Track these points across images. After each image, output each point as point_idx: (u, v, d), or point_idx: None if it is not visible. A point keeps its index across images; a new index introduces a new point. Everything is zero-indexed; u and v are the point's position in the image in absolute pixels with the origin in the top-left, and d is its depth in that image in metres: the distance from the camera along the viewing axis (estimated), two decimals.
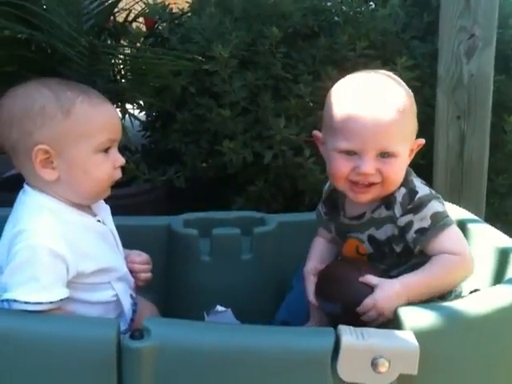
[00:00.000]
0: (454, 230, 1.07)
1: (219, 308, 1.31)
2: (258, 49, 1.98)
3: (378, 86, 1.08)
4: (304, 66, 2.00)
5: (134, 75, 1.98)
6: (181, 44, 2.02)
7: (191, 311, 1.30)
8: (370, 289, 1.03)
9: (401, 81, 1.13)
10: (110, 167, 1.06)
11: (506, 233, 1.25)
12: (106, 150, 1.05)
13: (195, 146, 1.98)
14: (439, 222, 1.05)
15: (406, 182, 1.08)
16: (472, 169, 1.95)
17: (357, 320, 1.01)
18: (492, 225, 1.30)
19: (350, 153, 1.05)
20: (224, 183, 2.01)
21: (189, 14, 2.29)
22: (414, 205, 1.06)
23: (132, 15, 2.17)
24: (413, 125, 1.09)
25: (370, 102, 1.04)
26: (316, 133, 1.15)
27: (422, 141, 1.11)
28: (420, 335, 0.86)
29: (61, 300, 0.97)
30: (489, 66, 1.88)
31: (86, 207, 1.10)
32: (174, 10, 2.29)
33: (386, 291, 1.01)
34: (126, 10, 2.11)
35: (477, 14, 1.84)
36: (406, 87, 1.11)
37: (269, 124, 1.85)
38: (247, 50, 2.00)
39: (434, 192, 1.09)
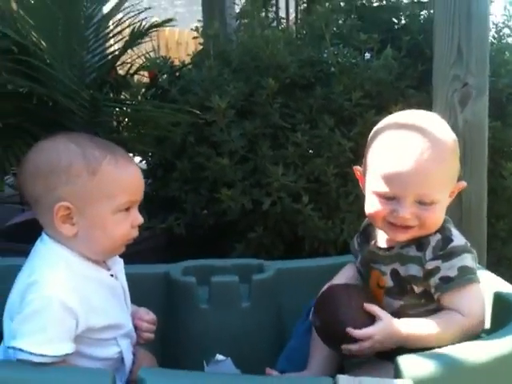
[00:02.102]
0: (477, 288, 1.06)
1: (219, 357, 1.29)
2: (256, 99, 2.03)
3: (421, 130, 1.06)
4: (301, 114, 2.05)
5: (135, 126, 2.02)
6: (180, 95, 2.08)
7: (190, 360, 1.28)
8: (351, 316, 1.05)
9: (444, 123, 1.12)
10: (128, 227, 1.06)
11: (509, 278, 1.24)
12: (127, 209, 1.06)
13: (195, 193, 2.00)
14: (465, 275, 1.05)
15: (442, 229, 1.09)
16: (471, 214, 1.95)
17: (331, 340, 1.06)
18: (495, 270, 1.30)
19: (388, 197, 1.06)
20: (224, 230, 2.02)
21: (189, 67, 2.36)
22: (446, 252, 1.06)
23: (133, 68, 2.23)
24: (455, 169, 1.09)
25: (412, 149, 1.03)
26: (357, 168, 1.17)
27: (463, 184, 1.11)
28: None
29: (65, 354, 0.96)
30: (483, 114, 1.92)
31: (100, 261, 1.10)
32: (175, 63, 2.36)
33: (390, 328, 1.02)
34: (127, 63, 2.17)
35: (469, 63, 1.89)
36: (449, 130, 1.11)
37: (267, 172, 1.88)
38: (245, 100, 2.05)
39: (469, 245, 1.09)
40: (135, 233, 1.09)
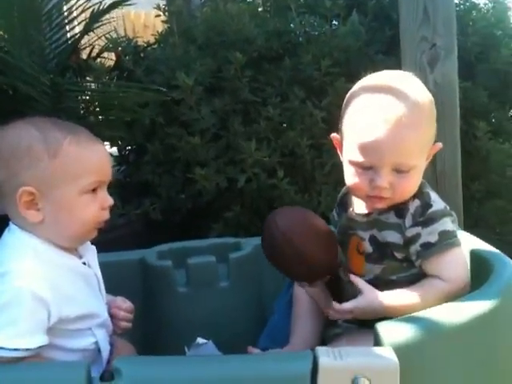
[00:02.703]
0: (459, 251, 1.05)
1: (200, 340, 1.27)
2: (224, 75, 1.98)
3: (396, 94, 1.02)
4: (271, 88, 2.01)
5: (102, 110, 1.97)
6: (146, 76, 2.02)
7: (171, 346, 1.27)
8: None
9: (419, 83, 1.08)
10: (96, 208, 1.02)
11: (487, 238, 1.24)
12: (94, 190, 1.02)
13: (169, 176, 1.96)
14: (446, 240, 1.04)
15: (421, 194, 1.07)
16: (446, 177, 1.94)
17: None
18: (473, 232, 1.29)
19: (365, 167, 1.03)
20: (201, 212, 1.99)
21: (154, 47, 2.30)
22: (426, 218, 1.04)
23: (96, 51, 2.16)
24: (431, 132, 1.06)
25: (387, 115, 1.00)
26: (334, 137, 1.14)
27: (440, 145, 1.09)
28: (399, 350, 0.84)
29: (39, 347, 0.93)
30: (453, 74, 1.90)
31: (72, 249, 1.07)
32: (139, 43, 2.29)
33: (369, 302, 1.02)
34: (89, 46, 2.11)
35: (436, 23, 1.86)
36: (425, 90, 1.07)
37: (240, 148, 1.84)
38: (213, 77, 2.00)
39: (448, 208, 1.08)
40: (106, 215, 1.04)
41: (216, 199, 1.91)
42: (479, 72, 2.16)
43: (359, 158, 1.03)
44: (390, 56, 2.09)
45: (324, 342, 1.13)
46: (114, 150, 2.28)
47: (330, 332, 1.16)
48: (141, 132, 2.00)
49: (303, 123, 1.93)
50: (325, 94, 1.96)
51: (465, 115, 2.02)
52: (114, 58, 2.25)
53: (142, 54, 2.22)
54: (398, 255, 1.07)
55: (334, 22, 2.20)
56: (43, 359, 0.96)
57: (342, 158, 1.12)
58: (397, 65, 2.04)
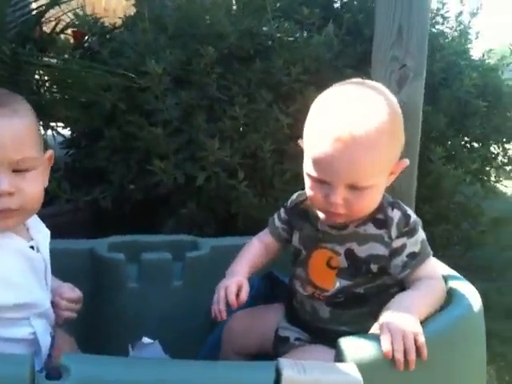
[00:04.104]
0: (433, 258, 1.07)
1: (145, 340, 1.21)
2: (193, 68, 1.93)
3: (356, 109, 0.98)
4: (239, 88, 1.97)
5: (60, 88, 1.87)
6: (111, 58, 1.94)
7: (115, 343, 1.20)
8: None
9: (387, 96, 1.03)
10: None
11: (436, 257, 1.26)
12: None
13: (123, 164, 1.88)
14: (427, 248, 1.05)
15: (397, 204, 1.05)
16: (401, 198, 1.96)
17: None
18: None
19: (320, 181, 1.00)
20: (153, 205, 1.92)
21: (121, 30, 2.21)
22: (410, 228, 1.03)
23: (60, 26, 2.05)
24: (395, 149, 1.01)
25: (343, 133, 0.95)
26: (300, 142, 1.09)
27: (406, 162, 1.05)
28: (362, 367, 0.82)
29: None
30: (419, 96, 1.93)
31: (21, 229, 0.99)
32: (105, 24, 2.20)
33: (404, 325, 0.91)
34: (54, 20, 2.00)
35: (409, 44, 1.88)
36: (394, 106, 1.02)
37: (202, 145, 1.80)
38: (181, 69, 1.94)
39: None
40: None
41: (171, 194, 1.85)
42: (441, 98, 2.22)
43: (313, 173, 1.00)
44: (358, 71, 2.10)
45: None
46: (66, 132, 2.18)
47: (281, 348, 1.13)
48: (99, 116, 1.91)
49: (268, 127, 1.90)
50: (293, 101, 1.95)
51: (422, 138, 2.06)
52: (72, 36, 2.15)
53: (107, 36, 2.14)
54: (375, 268, 1.05)
55: (307, 30, 2.20)
56: None
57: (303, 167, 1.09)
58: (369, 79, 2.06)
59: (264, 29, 2.14)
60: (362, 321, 1.04)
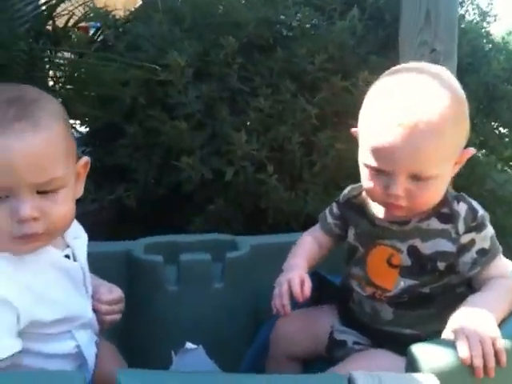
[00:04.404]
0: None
1: (189, 345, 1.15)
2: (213, 59, 1.86)
3: (417, 93, 0.92)
4: (261, 78, 1.90)
5: (76, 84, 1.79)
6: (128, 52, 1.86)
7: (156, 349, 1.14)
8: None
9: (451, 81, 0.98)
10: (2, 218, 0.81)
11: None
12: (0, 198, 0.80)
13: (146, 161, 1.81)
14: (496, 244, 0.99)
15: (462, 197, 1.00)
16: None
17: None
18: None
19: (379, 171, 0.94)
20: (179, 203, 1.85)
21: (134, 22, 2.13)
22: (477, 223, 0.97)
23: (72, 21, 1.98)
24: (460, 137, 0.96)
25: (405, 119, 0.90)
26: (354, 131, 1.04)
27: (471, 151, 0.99)
28: (440, 376, 0.76)
29: (13, 355, 0.80)
30: None
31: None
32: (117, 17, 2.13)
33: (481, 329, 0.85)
34: (66, 14, 1.92)
35: (437, 28, 1.82)
36: (457, 91, 0.97)
37: (228, 138, 1.73)
38: (200, 61, 1.87)
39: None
40: (22, 229, 0.81)
41: (197, 190, 1.78)
42: (468, 83, 2.14)
43: (372, 162, 0.94)
44: (383, 57, 2.03)
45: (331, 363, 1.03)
46: (82, 129, 2.11)
47: (337, 352, 1.06)
48: (118, 112, 1.84)
49: (294, 118, 1.83)
50: (318, 90, 1.88)
51: None
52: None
53: (121, 29, 2.06)
54: (442, 265, 0.98)
55: (329, 16, 2.12)
56: (20, 368, 0.82)
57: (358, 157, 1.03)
58: (392, 67, 1.99)
59: (282, 17, 2.08)
60: (426, 322, 0.98)
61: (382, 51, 2.06)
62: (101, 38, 1.99)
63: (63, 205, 0.84)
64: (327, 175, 1.81)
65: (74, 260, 0.94)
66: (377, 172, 0.95)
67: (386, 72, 1.02)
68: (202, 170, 1.68)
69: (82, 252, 0.97)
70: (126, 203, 1.76)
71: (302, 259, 1.10)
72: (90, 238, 1.62)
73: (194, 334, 1.18)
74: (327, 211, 1.16)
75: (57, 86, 1.90)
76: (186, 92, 1.75)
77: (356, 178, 1.85)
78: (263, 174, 1.73)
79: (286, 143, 1.79)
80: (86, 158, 0.93)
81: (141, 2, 2.53)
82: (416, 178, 0.93)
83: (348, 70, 1.93)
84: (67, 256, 0.93)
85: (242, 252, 1.25)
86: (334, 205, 1.15)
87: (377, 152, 0.93)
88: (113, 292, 1.00)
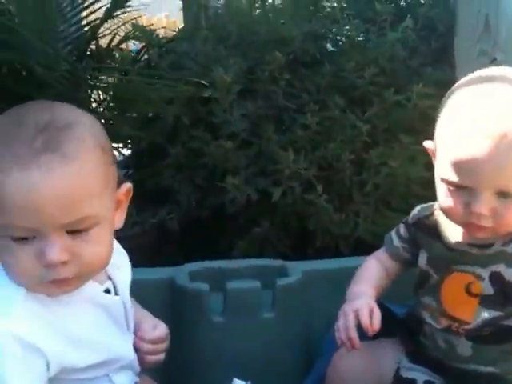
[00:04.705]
0: None
1: (237, 381, 1.06)
2: (258, 76, 1.79)
3: (505, 105, 0.84)
4: (308, 95, 1.82)
5: (120, 103, 1.75)
6: (172, 71, 1.82)
7: None
8: None
9: None
10: (29, 262, 0.72)
11: None
12: (26, 239, 0.72)
13: (189, 183, 1.75)
14: None
15: None
16: None
17: None
18: None
19: (461, 187, 0.85)
20: (222, 225, 1.78)
21: (177, 41, 2.10)
22: None
23: (116, 40, 1.95)
24: None
25: (491, 130, 0.82)
26: (428, 145, 0.95)
27: None
28: None
29: None
30: None
31: None
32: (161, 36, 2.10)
33: None
34: (109, 34, 1.90)
35: (498, 36, 1.69)
36: None
37: (275, 158, 1.64)
38: (246, 78, 1.81)
39: None
40: (52, 275, 0.73)
41: (242, 212, 1.70)
42: None
43: (453, 178, 0.85)
44: (437, 70, 1.92)
45: None
46: (125, 151, 2.07)
47: None
48: (161, 132, 1.79)
49: (344, 135, 1.74)
50: (369, 105, 1.78)
51: None
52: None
53: (163, 48, 2.03)
54: None
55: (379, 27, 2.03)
56: None
57: (435, 172, 0.93)
58: (448, 79, 1.88)
59: (330, 30, 2.00)
60: (510, 359, 0.86)
61: (436, 63, 1.96)
62: (144, 57, 1.95)
63: (98, 244, 0.74)
64: (379, 195, 1.70)
65: (116, 294, 0.85)
66: (457, 188, 0.86)
67: (465, 80, 0.93)
68: (247, 191, 1.60)
69: (124, 284, 0.88)
70: (169, 226, 1.69)
71: (369, 286, 1.00)
72: (131, 263, 1.57)
73: (241, 368, 1.09)
74: (393, 233, 1.06)
75: (100, 108, 1.87)
76: (231, 110, 1.69)
77: (410, 198, 1.76)
78: (312, 194, 1.63)
79: (334, 161, 1.70)
80: (128, 185, 0.83)
81: (183, 24, 2.51)
82: (503, 195, 0.83)
83: (400, 84, 1.83)
84: (107, 290, 0.84)
85: (293, 279, 1.16)
86: (402, 226, 1.05)
87: (459, 166, 0.84)
88: (157, 329, 0.91)
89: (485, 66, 1.68)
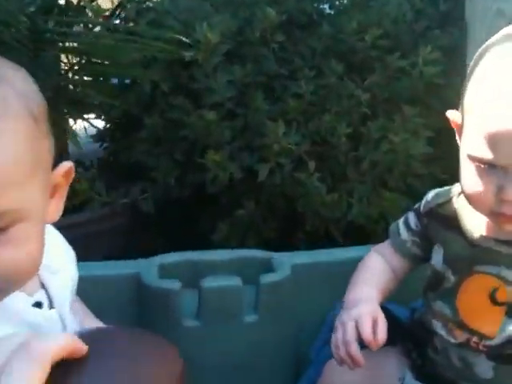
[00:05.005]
0: None
1: None
2: (247, 37, 1.59)
3: None
4: (302, 60, 1.63)
5: (92, 66, 1.55)
6: (151, 30, 1.61)
7: None
8: None
9: None
10: None
11: None
12: None
13: (167, 158, 1.56)
14: None
15: None
16: None
17: None
18: None
19: (493, 167, 0.70)
20: (202, 206, 1.60)
21: None
22: None
23: None
24: None
25: None
26: (453, 116, 0.79)
27: None
28: None
29: None
30: None
31: None
32: None
33: None
34: None
35: None
36: None
37: (262, 130, 1.46)
38: (233, 40, 1.61)
39: None
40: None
41: (224, 192, 1.52)
42: None
43: (485, 154, 0.70)
44: (445, 34, 1.73)
45: None
46: (100, 123, 1.87)
47: None
48: (137, 101, 1.59)
49: (340, 105, 1.55)
50: (369, 72, 1.59)
51: None
52: None
53: (144, 5, 1.81)
54: None
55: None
56: None
57: (460, 149, 0.76)
58: (456, 44, 1.69)
59: None
60: None
61: (444, 26, 1.76)
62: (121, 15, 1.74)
63: (21, 246, 0.56)
64: (376, 173, 1.53)
65: (51, 307, 0.65)
66: (489, 168, 0.70)
67: (497, 38, 0.74)
68: (230, 169, 1.42)
69: (63, 292, 0.68)
70: (143, 207, 1.51)
71: (372, 289, 0.84)
72: (99, 250, 1.40)
73: (221, 380, 0.93)
74: (401, 223, 0.90)
75: (70, 72, 1.67)
76: (215, 76, 1.49)
77: (410, 177, 1.59)
78: (303, 172, 1.46)
79: (329, 135, 1.52)
80: (67, 165, 0.63)
81: None
82: None
83: (405, 48, 1.64)
84: (38, 304, 0.64)
85: (280, 275, 0.98)
86: (412, 215, 0.88)
87: (493, 139, 0.69)
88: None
89: (502, 28, 1.52)
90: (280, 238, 1.63)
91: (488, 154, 0.70)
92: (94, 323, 0.77)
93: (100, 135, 1.85)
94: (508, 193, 0.69)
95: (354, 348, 0.75)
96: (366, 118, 1.57)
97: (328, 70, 1.59)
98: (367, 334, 0.75)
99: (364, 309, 0.78)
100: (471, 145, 0.72)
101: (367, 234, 1.59)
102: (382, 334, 0.76)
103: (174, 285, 0.94)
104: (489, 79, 0.71)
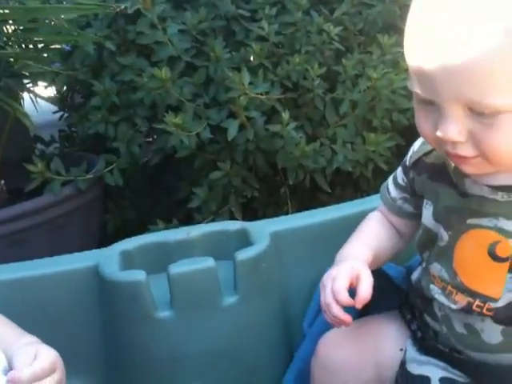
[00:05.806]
0: None
1: None
2: None
3: None
4: None
5: (24, 34, 1.39)
6: None
7: None
8: None
9: None
10: None
11: None
12: None
13: (127, 125, 1.42)
14: None
15: None
16: None
17: None
18: None
19: (427, 102, 0.63)
20: (175, 172, 1.47)
21: None
22: None
23: None
24: None
25: (454, 23, 0.58)
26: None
27: None
28: None
29: None
30: None
31: None
32: None
33: None
34: None
35: None
36: None
37: (226, 83, 1.31)
38: None
39: None
40: None
41: (195, 156, 1.39)
42: None
43: (416, 88, 0.64)
44: None
45: None
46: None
47: None
48: (81, 65, 1.43)
49: (310, 43, 1.40)
50: (337, 1, 1.43)
51: None
52: None
53: None
54: None
55: None
56: None
57: None
58: None
59: None
60: None
61: None
62: None
63: None
64: (358, 114, 1.40)
65: None
66: (427, 105, 0.63)
67: None
68: (196, 129, 1.28)
69: None
70: (109, 181, 1.38)
71: (364, 246, 0.76)
72: (69, 230, 1.28)
73: (201, 371, 0.84)
74: (390, 180, 0.80)
75: (9, 42, 1.49)
76: (163, 25, 1.33)
77: (395, 113, 1.46)
78: (277, 123, 1.32)
79: (301, 79, 1.37)
80: None
81: None
82: (478, 112, 0.59)
83: None
84: None
85: (259, 247, 0.87)
86: (399, 170, 0.78)
87: (418, 75, 0.62)
88: (38, 358, 0.63)
89: None
90: (265, 199, 1.52)
91: (418, 89, 0.63)
92: (12, 335, 0.66)
93: (59, 105, 1.69)
94: (441, 129, 0.61)
95: (335, 310, 0.69)
96: (339, 55, 1.42)
97: (291, 5, 1.42)
98: (340, 294, 0.68)
99: (342, 268, 0.71)
100: (410, 84, 0.65)
101: (356, 179, 1.49)
102: (363, 292, 0.69)
103: (138, 275, 0.82)
104: (412, 15, 0.63)
